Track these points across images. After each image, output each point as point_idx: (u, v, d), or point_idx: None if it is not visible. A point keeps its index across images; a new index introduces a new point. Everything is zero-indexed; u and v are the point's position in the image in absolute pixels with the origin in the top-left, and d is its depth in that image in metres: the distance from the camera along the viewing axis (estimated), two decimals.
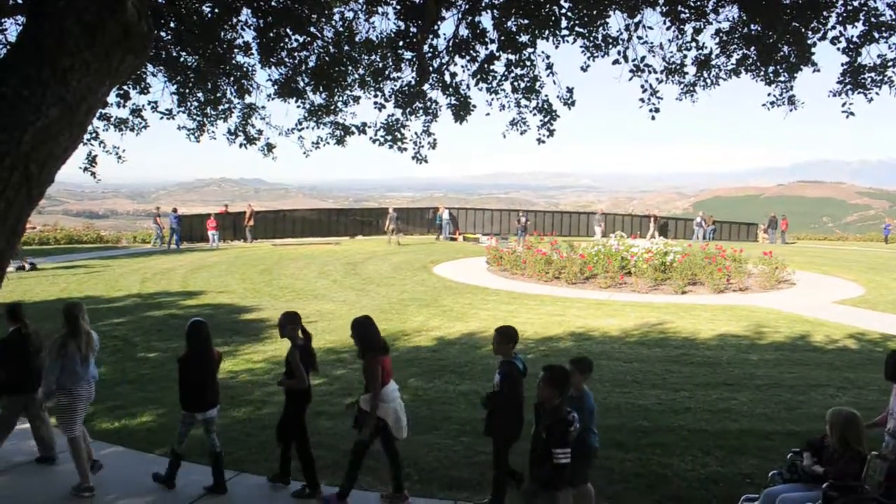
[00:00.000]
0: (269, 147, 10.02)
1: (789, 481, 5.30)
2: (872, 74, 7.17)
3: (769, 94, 7.87)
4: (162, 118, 9.61)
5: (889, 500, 4.93)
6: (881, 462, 5.16)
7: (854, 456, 4.89)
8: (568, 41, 7.89)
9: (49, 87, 2.81)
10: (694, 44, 7.88)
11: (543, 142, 8.46)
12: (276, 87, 9.23)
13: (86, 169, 9.67)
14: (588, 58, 8.00)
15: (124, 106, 9.70)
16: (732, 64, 7.87)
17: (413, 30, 8.06)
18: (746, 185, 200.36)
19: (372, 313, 14.33)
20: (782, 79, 7.70)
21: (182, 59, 9.12)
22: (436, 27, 8.15)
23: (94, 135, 9.70)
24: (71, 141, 2.98)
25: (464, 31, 8.13)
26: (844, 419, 4.99)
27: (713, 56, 7.91)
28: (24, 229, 3.02)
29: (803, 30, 7.17)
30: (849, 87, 7.27)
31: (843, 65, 7.26)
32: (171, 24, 8.48)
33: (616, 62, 7.82)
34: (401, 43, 8.27)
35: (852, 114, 7.30)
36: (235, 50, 9.09)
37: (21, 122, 2.74)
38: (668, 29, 7.66)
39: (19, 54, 2.94)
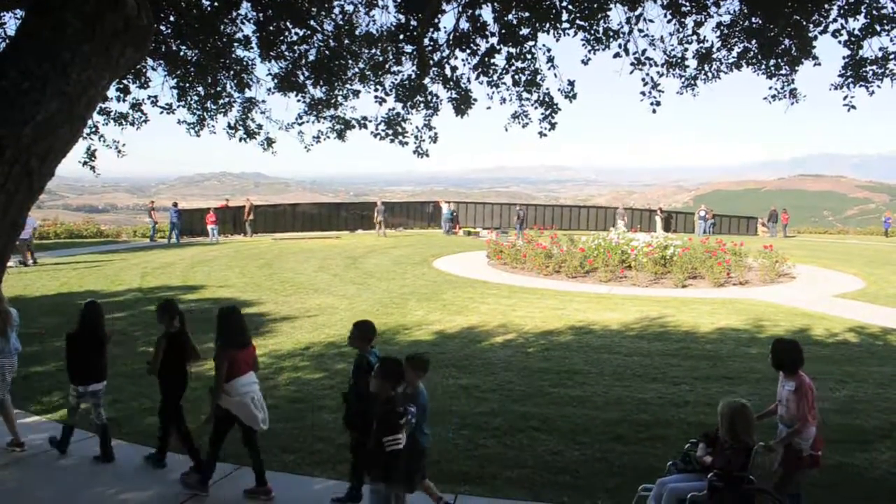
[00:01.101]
0: (269, 141, 10.00)
1: (683, 471, 5.38)
2: (874, 67, 7.14)
3: (770, 88, 7.85)
4: (162, 112, 9.59)
5: (780, 491, 5.07)
6: (776, 450, 5.24)
7: (741, 447, 4.95)
8: (569, 34, 7.86)
9: (49, 80, 2.80)
10: (695, 37, 7.86)
11: (545, 135, 8.45)
12: (276, 81, 9.20)
13: (85, 163, 9.65)
14: (589, 51, 7.97)
15: (124, 100, 9.68)
16: (734, 57, 7.84)
17: (413, 23, 8.04)
18: (747, 179, 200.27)
19: (372, 307, 14.47)
20: (783, 72, 7.68)
21: (182, 53, 9.09)
22: (436, 20, 8.13)
23: (93, 129, 9.67)
24: (71, 134, 2.98)
25: (464, 25, 8.10)
26: (732, 410, 5.04)
27: (714, 49, 7.89)
28: (24, 224, 3.02)
29: (804, 23, 7.15)
30: (850, 80, 7.24)
31: (844, 58, 7.23)
32: (171, 18, 8.45)
33: (617, 55, 7.79)
34: (401, 36, 8.24)
35: (854, 107, 7.27)
36: (235, 44, 9.05)
37: (21, 115, 2.74)
38: (668, 22, 7.63)
39: (19, 47, 2.93)
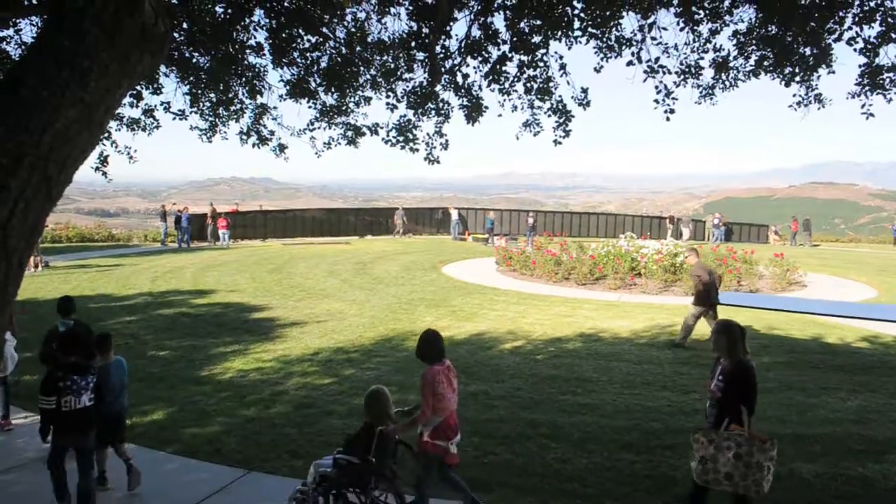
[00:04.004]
0: (281, 147, 10.05)
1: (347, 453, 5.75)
2: (891, 75, 7.09)
3: (795, 95, 7.76)
4: (175, 118, 9.66)
5: (423, 477, 5.44)
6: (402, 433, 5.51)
7: (366, 429, 5.37)
8: (581, 42, 7.86)
9: (68, 88, 2.82)
10: (710, 45, 7.83)
11: (560, 143, 8.43)
12: (288, 87, 9.25)
13: (97, 168, 9.73)
14: (601, 59, 7.96)
15: (137, 106, 9.76)
16: (751, 65, 7.80)
17: (425, 30, 8.06)
18: (758, 187, 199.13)
19: (381, 313, 14.50)
20: (799, 79, 7.63)
21: (194, 60, 9.15)
22: (448, 28, 8.14)
23: (106, 135, 9.76)
24: (89, 142, 3.00)
25: (476, 32, 8.11)
26: (366, 396, 5.57)
27: (731, 58, 7.85)
28: (42, 229, 3.05)
29: (820, 30, 7.12)
30: (867, 88, 7.20)
31: (860, 66, 7.19)
32: (184, 25, 8.51)
33: (630, 63, 7.77)
34: (413, 44, 8.26)
35: (872, 115, 7.23)
36: (248, 50, 9.11)
37: (40, 122, 2.76)
38: (682, 30, 7.62)
39: (38, 55, 2.96)
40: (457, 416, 5.56)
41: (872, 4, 6.91)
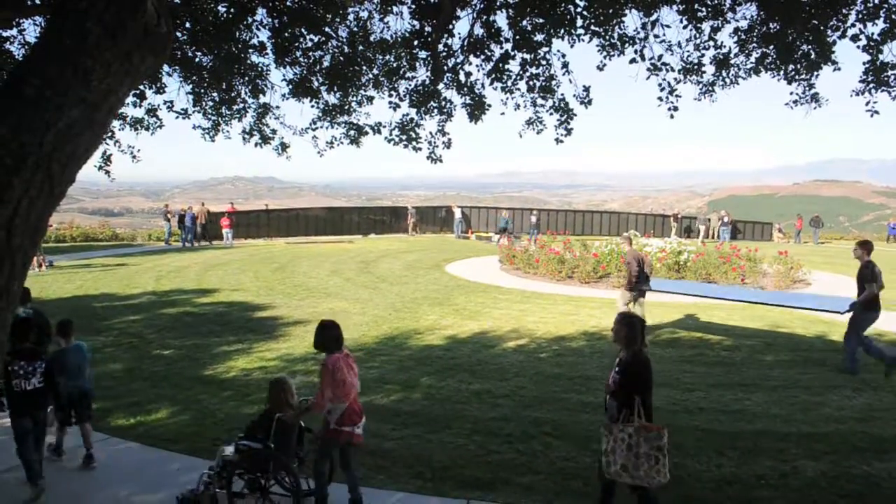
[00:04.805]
0: (284, 146, 10.07)
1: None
2: (895, 72, 7.07)
3: (792, 93, 7.76)
4: (177, 118, 9.70)
5: (319, 460, 5.65)
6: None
7: (265, 415, 5.70)
8: (583, 40, 7.85)
9: (71, 87, 2.83)
10: (712, 42, 7.81)
11: (561, 141, 8.43)
12: (290, 86, 9.27)
13: (101, 167, 9.76)
14: (604, 56, 7.95)
15: (140, 105, 9.79)
16: (752, 63, 7.78)
17: (428, 29, 8.06)
18: (761, 184, 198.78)
19: (385, 311, 14.51)
20: (803, 76, 7.61)
21: (197, 59, 9.18)
22: (450, 26, 8.14)
23: (109, 134, 9.79)
24: (92, 141, 3.01)
25: (479, 31, 8.11)
26: (269, 384, 5.93)
27: (732, 55, 7.84)
28: (45, 228, 3.06)
29: (822, 28, 7.10)
30: (872, 85, 7.17)
31: (864, 63, 7.16)
32: (187, 25, 8.54)
33: (633, 61, 7.76)
34: (415, 42, 8.27)
35: (877, 112, 7.20)
36: (250, 50, 9.13)
37: (43, 122, 2.78)
38: (685, 28, 7.60)
39: (41, 55, 2.97)
40: (359, 400, 5.83)
41: (876, 1, 6.89)
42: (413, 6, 8.17)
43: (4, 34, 8.89)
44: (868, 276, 9.96)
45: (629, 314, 5.66)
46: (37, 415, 6.15)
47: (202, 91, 9.61)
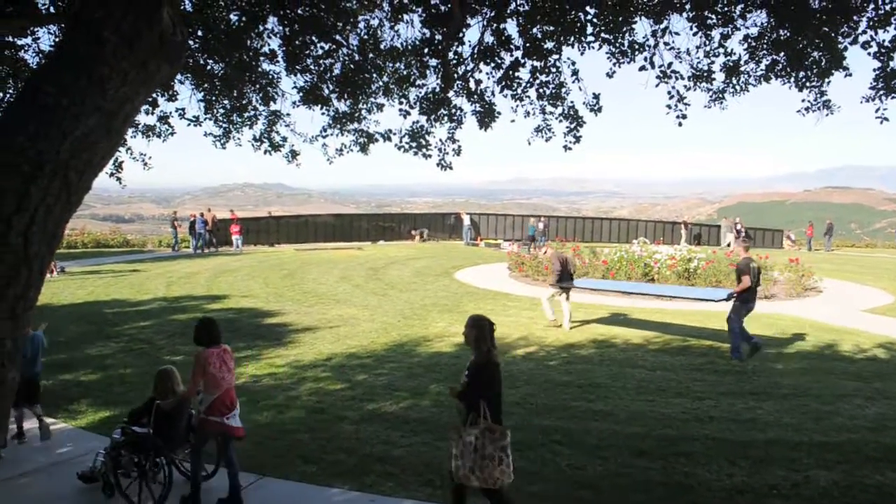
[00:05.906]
0: (294, 154, 10.13)
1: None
2: None
3: (803, 100, 7.74)
4: (189, 125, 9.76)
5: (195, 448, 6.12)
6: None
7: (148, 403, 6.18)
8: (594, 48, 7.86)
9: (87, 96, 2.87)
10: (722, 50, 7.81)
11: (570, 148, 8.44)
12: (301, 94, 9.32)
13: (112, 174, 9.85)
14: (614, 64, 7.97)
15: (152, 113, 9.88)
16: (762, 70, 7.77)
17: (438, 37, 8.10)
18: (772, 191, 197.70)
19: (394, 318, 14.52)
20: (814, 83, 7.59)
21: (209, 67, 9.26)
22: (461, 34, 8.18)
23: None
24: (109, 149, 3.05)
25: (489, 38, 8.14)
26: (156, 373, 6.32)
27: (742, 62, 7.82)
28: (62, 235, 3.09)
29: (833, 35, 7.08)
30: (882, 92, 7.15)
31: (875, 70, 7.14)
32: (199, 33, 8.61)
33: (643, 68, 7.77)
34: (426, 50, 8.31)
35: (887, 119, 7.18)
36: (261, 58, 9.20)
37: (60, 130, 2.81)
38: (694, 35, 7.60)
39: (58, 64, 3.01)
40: (234, 394, 6.21)
41: (888, 8, 6.87)
42: (423, 14, 8.21)
43: (19, 42, 9.00)
44: (744, 270, 11.37)
45: (479, 317, 5.42)
46: None
47: (213, 98, 9.69)
